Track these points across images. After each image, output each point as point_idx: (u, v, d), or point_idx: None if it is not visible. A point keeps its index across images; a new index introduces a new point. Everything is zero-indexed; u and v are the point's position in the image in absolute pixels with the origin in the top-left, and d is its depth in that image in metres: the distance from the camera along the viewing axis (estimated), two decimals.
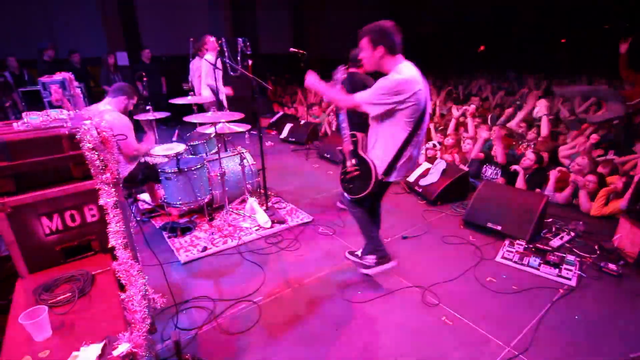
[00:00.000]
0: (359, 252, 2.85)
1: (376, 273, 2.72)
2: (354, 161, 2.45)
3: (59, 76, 3.05)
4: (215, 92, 4.28)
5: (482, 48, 15.39)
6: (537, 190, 4.07)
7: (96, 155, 1.48)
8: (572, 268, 2.80)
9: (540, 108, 5.81)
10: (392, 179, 2.38)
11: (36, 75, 6.76)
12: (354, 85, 3.50)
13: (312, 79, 2.45)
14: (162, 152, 3.53)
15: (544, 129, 5.08)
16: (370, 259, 2.70)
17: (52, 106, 2.93)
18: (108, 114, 3.05)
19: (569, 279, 2.73)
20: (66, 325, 1.30)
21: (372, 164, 2.34)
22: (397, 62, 2.21)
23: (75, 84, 3.20)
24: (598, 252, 3.09)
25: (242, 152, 4.02)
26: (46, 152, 1.55)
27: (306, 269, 2.97)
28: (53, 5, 7.86)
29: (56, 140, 1.56)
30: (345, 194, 2.59)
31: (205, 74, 4.72)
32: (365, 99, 2.25)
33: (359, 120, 2.58)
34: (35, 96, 5.86)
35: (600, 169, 4.02)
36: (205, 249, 3.22)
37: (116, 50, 8.17)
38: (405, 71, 2.17)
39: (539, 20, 13.29)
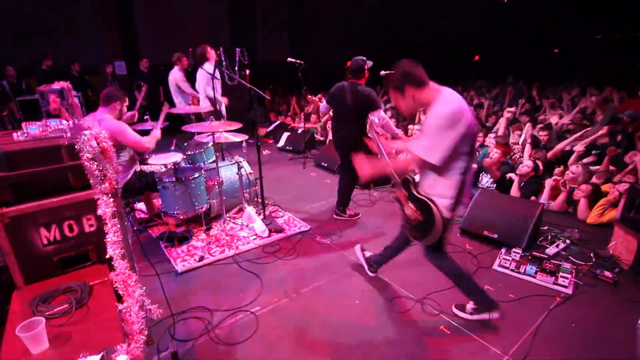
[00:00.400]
0: (469, 307, 2.48)
1: (475, 319, 2.46)
2: (412, 206, 2.22)
3: (57, 85, 3.06)
4: (212, 101, 4.31)
5: (476, 58, 15.61)
6: (533, 198, 4.11)
7: (95, 166, 1.49)
8: (568, 276, 2.82)
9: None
10: (458, 214, 2.20)
11: (34, 85, 6.78)
12: (355, 95, 3.55)
13: (364, 167, 2.27)
14: (160, 161, 3.53)
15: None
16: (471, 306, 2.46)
17: (49, 115, 2.93)
18: (105, 122, 3.07)
19: (566, 287, 2.74)
20: (63, 337, 1.29)
21: (432, 205, 2.10)
22: (433, 91, 2.05)
23: (74, 93, 3.21)
24: (594, 259, 3.11)
25: (240, 161, 4.03)
26: (45, 163, 1.55)
27: (303, 278, 2.97)
28: (52, 15, 7.91)
29: (55, 150, 1.57)
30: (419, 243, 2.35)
31: (206, 83, 4.78)
32: (427, 146, 2.00)
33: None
34: (33, 105, 5.85)
35: (595, 180, 4.06)
36: (202, 258, 3.21)
37: (114, 59, 8.21)
38: (450, 97, 2.01)
39: (535, 30, 13.56)
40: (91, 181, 1.51)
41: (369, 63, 3.58)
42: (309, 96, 4.42)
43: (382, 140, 2.35)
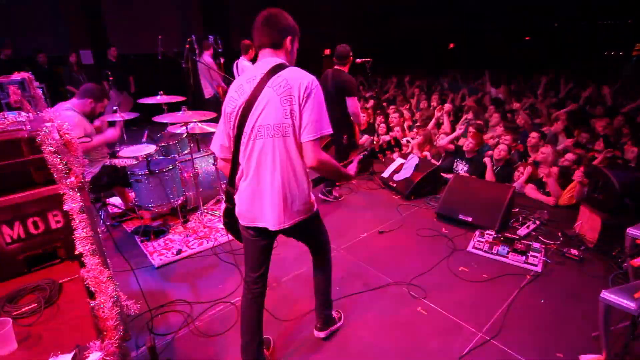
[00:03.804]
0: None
1: None
2: None
3: (17, 76, 2.88)
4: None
5: (451, 46, 15.79)
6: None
7: (59, 159, 1.43)
8: (538, 255, 2.95)
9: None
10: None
11: None
12: (335, 81, 3.72)
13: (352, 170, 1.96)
14: (132, 153, 3.42)
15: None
16: None
17: (10, 108, 2.77)
18: (62, 112, 2.95)
19: (535, 265, 2.87)
20: (33, 337, 1.25)
21: None
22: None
23: (36, 84, 3.05)
24: (561, 238, 3.27)
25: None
26: (4, 157, 1.47)
27: (284, 268, 2.97)
28: (10, 1, 7.41)
29: (14, 144, 1.49)
30: None
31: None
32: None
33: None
34: None
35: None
36: (180, 251, 3.16)
37: (79, 48, 7.82)
38: None
39: (505, 18, 13.79)
40: (55, 175, 1.44)
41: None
42: None
43: None
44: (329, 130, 1.61)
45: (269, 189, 1.64)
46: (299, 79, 1.55)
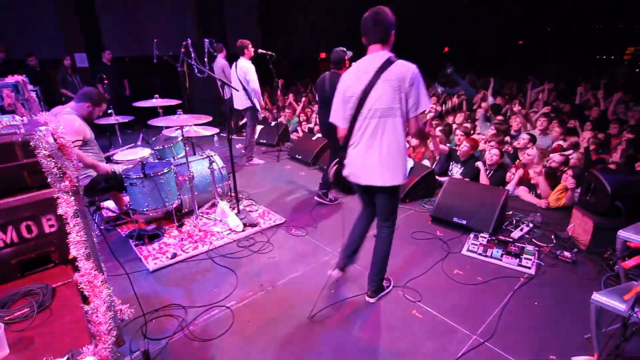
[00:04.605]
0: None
1: None
2: None
3: (11, 79, 2.87)
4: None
5: (446, 50, 15.91)
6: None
7: (53, 163, 1.42)
8: (531, 257, 2.97)
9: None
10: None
11: None
12: (333, 84, 3.71)
13: None
14: (127, 157, 3.41)
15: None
16: None
17: (4, 111, 2.76)
18: (62, 115, 2.93)
19: (529, 268, 2.90)
20: (25, 342, 1.24)
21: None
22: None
23: (30, 87, 3.03)
24: (554, 241, 3.30)
25: (211, 155, 3.95)
26: None
27: (279, 271, 2.97)
28: (3, 4, 7.37)
29: (8, 147, 1.48)
30: None
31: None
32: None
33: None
34: None
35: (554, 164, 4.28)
36: (174, 255, 3.15)
37: (74, 51, 7.79)
38: None
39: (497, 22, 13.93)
40: (49, 179, 1.44)
41: (349, 53, 3.75)
42: None
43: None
44: (426, 106, 2.11)
45: (376, 157, 2.16)
46: (405, 72, 2.03)
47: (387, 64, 2.05)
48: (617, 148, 4.34)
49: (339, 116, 2.30)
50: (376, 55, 2.11)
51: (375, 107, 2.10)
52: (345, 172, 2.34)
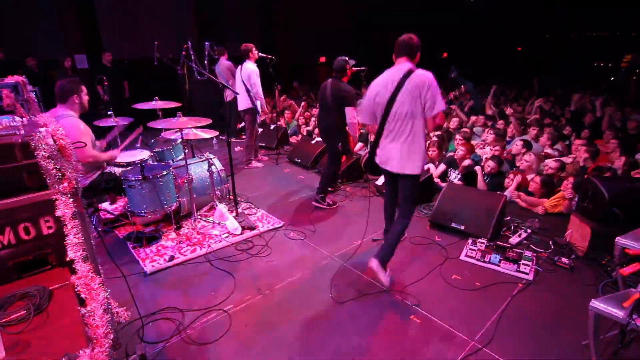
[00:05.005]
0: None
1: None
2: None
3: (11, 79, 2.86)
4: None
5: (445, 55, 16.01)
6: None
7: (52, 164, 1.42)
8: (529, 263, 2.97)
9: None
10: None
11: None
12: (334, 91, 3.85)
13: None
14: (126, 159, 3.40)
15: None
16: None
17: (3, 112, 2.75)
18: (63, 119, 2.91)
19: (527, 274, 2.90)
20: (21, 345, 1.23)
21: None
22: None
23: (30, 87, 3.02)
24: (552, 247, 3.30)
25: (210, 158, 3.95)
26: None
27: (277, 275, 2.96)
28: (3, 4, 7.37)
29: (8, 148, 1.48)
30: None
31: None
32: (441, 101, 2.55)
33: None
34: None
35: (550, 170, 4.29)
36: (172, 258, 3.13)
37: (74, 52, 7.78)
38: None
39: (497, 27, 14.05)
40: (48, 181, 1.43)
41: (351, 62, 3.84)
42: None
43: None
44: (441, 108, 2.50)
45: (399, 149, 2.65)
46: (423, 81, 2.48)
47: (409, 74, 2.52)
48: (612, 155, 4.37)
49: (368, 117, 2.83)
50: (401, 66, 2.59)
51: (400, 111, 2.57)
52: (376, 159, 2.87)
